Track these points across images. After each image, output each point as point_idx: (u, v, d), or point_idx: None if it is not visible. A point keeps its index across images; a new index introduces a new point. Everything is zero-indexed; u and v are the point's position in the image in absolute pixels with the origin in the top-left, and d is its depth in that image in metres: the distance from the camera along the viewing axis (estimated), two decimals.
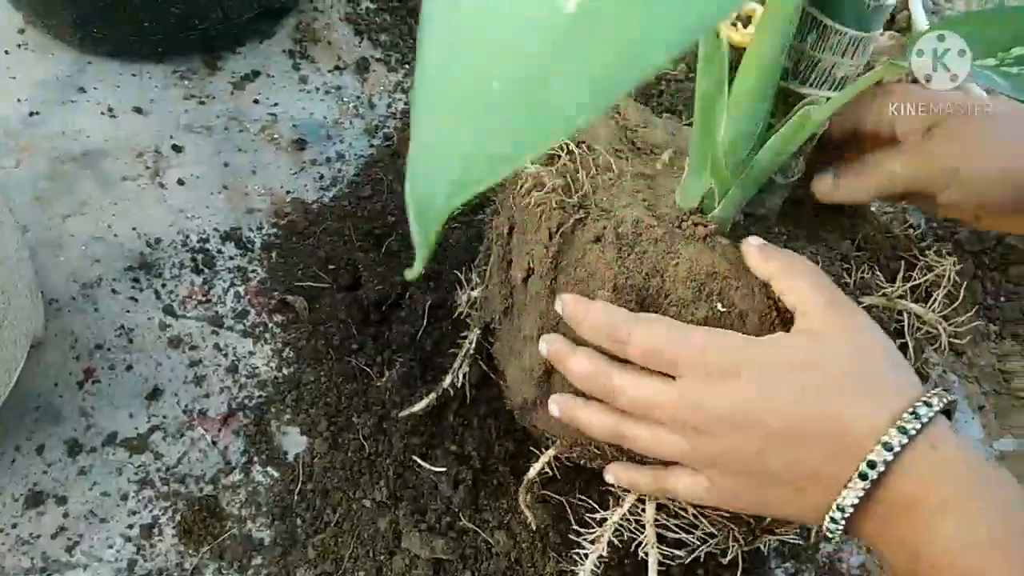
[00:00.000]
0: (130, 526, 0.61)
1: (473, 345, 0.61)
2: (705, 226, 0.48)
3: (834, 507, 0.42)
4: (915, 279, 0.50)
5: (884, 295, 0.49)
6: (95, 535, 0.61)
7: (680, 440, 0.45)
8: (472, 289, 0.62)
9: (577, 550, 0.55)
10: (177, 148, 0.81)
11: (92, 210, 0.75)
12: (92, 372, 0.67)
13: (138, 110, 0.83)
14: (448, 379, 0.62)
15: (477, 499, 0.64)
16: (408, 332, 0.71)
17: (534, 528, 0.61)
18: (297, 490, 0.64)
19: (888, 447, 0.40)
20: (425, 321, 0.71)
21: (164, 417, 0.66)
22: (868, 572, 0.69)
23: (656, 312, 0.47)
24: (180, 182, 0.79)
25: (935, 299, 0.50)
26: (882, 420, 0.41)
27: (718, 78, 0.45)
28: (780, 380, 0.43)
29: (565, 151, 0.51)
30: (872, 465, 0.40)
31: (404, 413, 0.65)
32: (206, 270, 0.74)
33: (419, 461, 0.65)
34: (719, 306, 0.46)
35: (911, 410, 0.41)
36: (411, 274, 0.49)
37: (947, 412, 0.42)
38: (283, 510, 0.63)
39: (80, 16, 0.81)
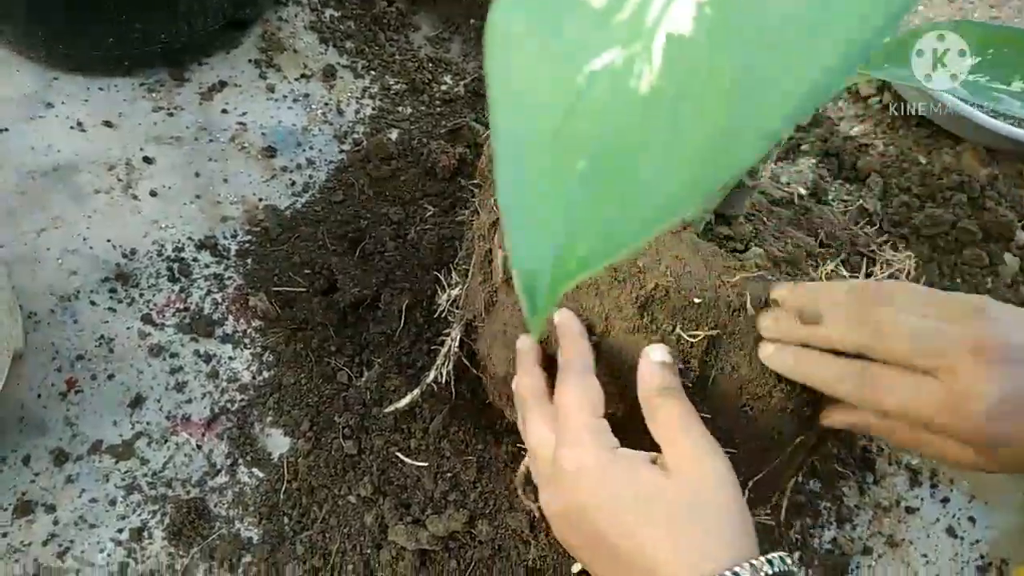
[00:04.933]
0: (120, 530, 0.62)
1: (456, 343, 0.63)
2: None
3: None
4: (877, 275, 0.53)
5: None
6: (86, 541, 0.62)
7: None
8: (452, 288, 0.64)
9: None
10: (148, 160, 0.81)
11: (66, 224, 0.76)
12: (74, 382, 0.68)
13: (107, 123, 0.83)
14: (431, 375, 0.64)
15: (459, 491, 0.65)
16: (384, 332, 0.73)
17: (535, 516, 0.62)
18: (283, 489, 0.65)
19: None
20: (401, 321, 0.73)
21: (148, 424, 0.67)
22: (839, 547, 0.72)
23: None
24: (153, 193, 0.79)
25: None
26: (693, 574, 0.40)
27: None
28: (617, 503, 0.43)
29: None
30: None
31: (388, 410, 0.67)
32: (183, 279, 0.75)
33: (401, 457, 0.66)
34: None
35: (733, 570, 0.39)
36: (527, 342, 0.52)
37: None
38: (270, 509, 0.64)
39: (45, 33, 0.81)
